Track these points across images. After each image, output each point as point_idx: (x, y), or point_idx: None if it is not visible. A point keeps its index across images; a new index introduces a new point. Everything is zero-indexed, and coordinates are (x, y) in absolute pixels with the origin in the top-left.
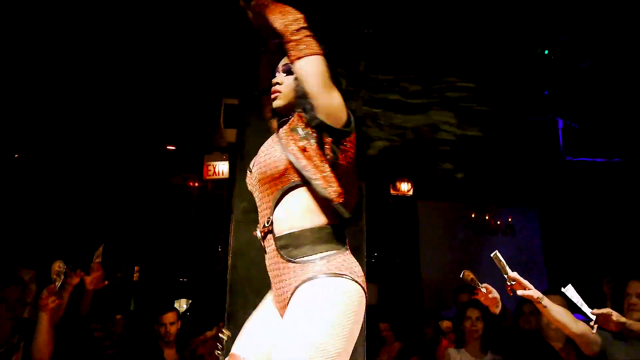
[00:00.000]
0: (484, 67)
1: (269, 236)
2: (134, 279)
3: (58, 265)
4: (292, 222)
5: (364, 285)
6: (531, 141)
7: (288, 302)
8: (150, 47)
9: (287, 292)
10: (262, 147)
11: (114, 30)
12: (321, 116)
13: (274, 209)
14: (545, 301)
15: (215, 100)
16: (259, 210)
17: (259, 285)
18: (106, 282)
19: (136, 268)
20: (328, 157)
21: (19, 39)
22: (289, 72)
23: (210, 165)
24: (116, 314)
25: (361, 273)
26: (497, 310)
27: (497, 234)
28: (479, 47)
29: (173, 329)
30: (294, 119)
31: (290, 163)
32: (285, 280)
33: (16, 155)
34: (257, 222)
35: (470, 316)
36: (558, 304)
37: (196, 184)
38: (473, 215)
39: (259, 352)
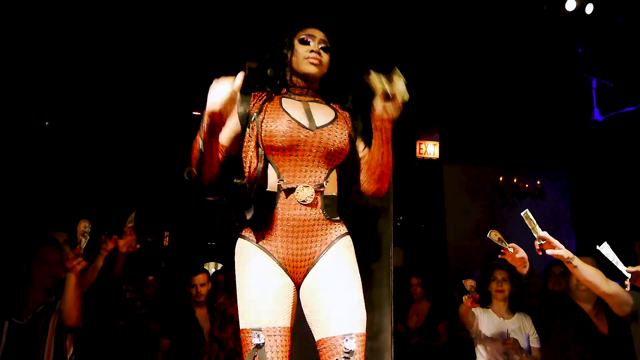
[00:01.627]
0: (515, 25)
1: (316, 195)
2: (165, 243)
3: (84, 225)
4: (331, 189)
5: None
6: (563, 102)
7: (324, 250)
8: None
9: (321, 242)
10: (309, 110)
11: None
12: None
13: (328, 176)
14: (576, 261)
15: (239, 64)
16: (296, 167)
17: None
18: (138, 246)
19: (166, 233)
20: None
21: (43, 5)
22: (326, 49)
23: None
24: (148, 276)
25: None
26: (525, 271)
27: (525, 198)
28: (510, 3)
29: (204, 290)
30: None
31: (348, 149)
32: (321, 233)
33: (47, 123)
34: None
35: (496, 277)
36: (588, 265)
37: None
38: (501, 179)
39: (287, 317)
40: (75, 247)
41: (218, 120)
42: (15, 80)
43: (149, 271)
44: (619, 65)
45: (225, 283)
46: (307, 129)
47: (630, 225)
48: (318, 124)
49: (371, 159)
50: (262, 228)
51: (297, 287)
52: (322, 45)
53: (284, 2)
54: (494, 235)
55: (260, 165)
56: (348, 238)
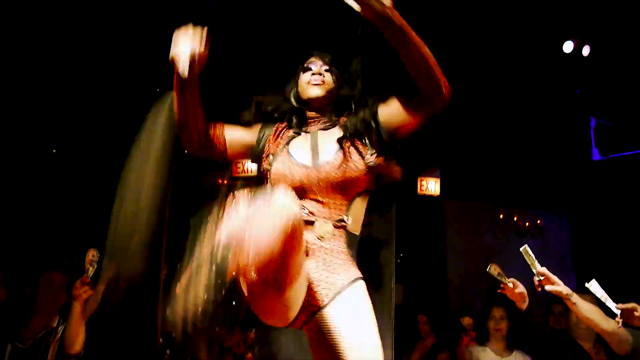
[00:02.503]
0: (514, 65)
1: (338, 231)
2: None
3: (92, 254)
4: (352, 225)
5: None
6: (562, 141)
7: (339, 292)
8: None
9: (336, 282)
10: (315, 144)
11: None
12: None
13: (349, 209)
14: (575, 297)
15: (246, 99)
16: (311, 204)
17: None
18: None
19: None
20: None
21: (56, 35)
22: (330, 70)
23: (239, 163)
24: None
25: None
26: (524, 306)
27: (525, 237)
28: (509, 45)
29: None
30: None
31: (366, 173)
32: (338, 272)
33: (54, 150)
34: None
35: (494, 315)
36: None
37: (225, 182)
38: (501, 217)
39: None
40: (83, 275)
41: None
42: (25, 109)
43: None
44: (617, 106)
45: None
46: (307, 167)
47: (632, 267)
48: (322, 160)
49: (407, 63)
50: None
51: None
52: (326, 67)
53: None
54: (493, 270)
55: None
56: (361, 282)
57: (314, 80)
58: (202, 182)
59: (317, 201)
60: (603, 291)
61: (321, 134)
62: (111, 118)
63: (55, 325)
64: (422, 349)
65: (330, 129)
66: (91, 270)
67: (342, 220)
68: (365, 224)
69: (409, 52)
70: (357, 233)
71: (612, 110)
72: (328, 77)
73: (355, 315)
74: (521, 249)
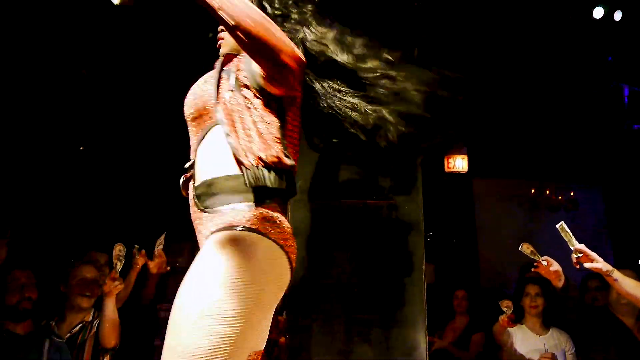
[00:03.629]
0: (543, 34)
1: (190, 181)
2: None
3: (119, 249)
4: (207, 168)
5: (286, 243)
6: (594, 111)
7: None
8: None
9: (201, 245)
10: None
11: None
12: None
13: (196, 153)
14: (616, 274)
15: None
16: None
17: (314, 264)
18: (168, 268)
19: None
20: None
21: (77, 32)
22: None
23: None
24: None
25: (285, 229)
26: (560, 284)
27: (558, 211)
28: (538, 13)
29: None
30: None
31: (210, 98)
32: (201, 231)
33: (81, 148)
34: (308, 201)
35: (529, 292)
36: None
37: None
38: (532, 191)
39: None
40: (111, 271)
41: None
42: (50, 108)
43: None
44: None
45: None
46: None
47: None
48: None
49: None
50: None
51: None
52: None
53: None
54: (526, 248)
55: None
56: (220, 235)
57: (217, 42)
58: None
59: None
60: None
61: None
62: (138, 115)
63: (91, 319)
64: (453, 329)
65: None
66: (119, 265)
67: (186, 170)
68: (391, 204)
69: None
70: (222, 174)
71: None
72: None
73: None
74: (557, 226)
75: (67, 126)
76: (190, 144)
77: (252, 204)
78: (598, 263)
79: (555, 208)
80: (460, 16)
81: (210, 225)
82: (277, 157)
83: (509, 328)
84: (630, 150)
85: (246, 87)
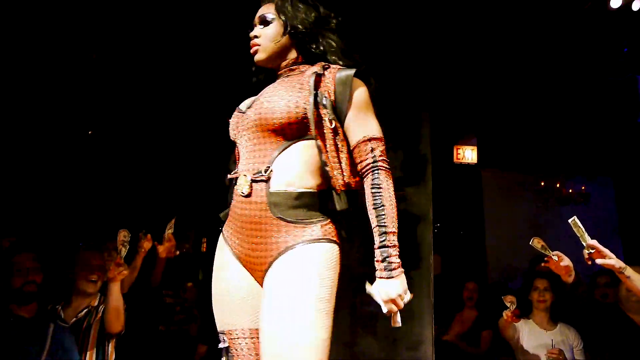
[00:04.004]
0: (557, 23)
1: (261, 185)
2: (203, 250)
3: (123, 235)
4: (290, 178)
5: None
6: (607, 103)
7: (276, 257)
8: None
9: (273, 247)
10: (264, 92)
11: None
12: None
13: (275, 160)
14: (628, 271)
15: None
16: (243, 156)
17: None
18: (177, 253)
19: (204, 240)
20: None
21: (86, 16)
22: (264, 22)
23: None
24: (187, 282)
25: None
26: (570, 279)
27: (568, 204)
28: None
29: None
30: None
31: (305, 115)
32: (275, 235)
33: (90, 132)
34: None
35: (538, 286)
36: None
37: None
38: (542, 184)
39: (252, 318)
40: (116, 257)
41: None
42: (59, 92)
43: (188, 278)
44: None
45: None
46: (241, 112)
47: None
48: (254, 101)
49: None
50: (227, 220)
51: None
52: (260, 20)
53: None
54: (537, 243)
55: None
56: (317, 246)
57: (251, 47)
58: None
59: (247, 152)
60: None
61: (277, 83)
62: (148, 100)
63: (96, 304)
64: (461, 322)
65: (288, 77)
66: (124, 251)
67: (260, 173)
68: (400, 195)
69: None
70: (301, 189)
71: None
72: (265, 32)
73: (272, 305)
74: (570, 221)
75: (76, 111)
76: (244, 144)
77: (328, 219)
78: (610, 259)
79: (566, 201)
80: (474, 5)
81: (293, 235)
82: (354, 182)
83: (514, 323)
84: None
85: (334, 112)
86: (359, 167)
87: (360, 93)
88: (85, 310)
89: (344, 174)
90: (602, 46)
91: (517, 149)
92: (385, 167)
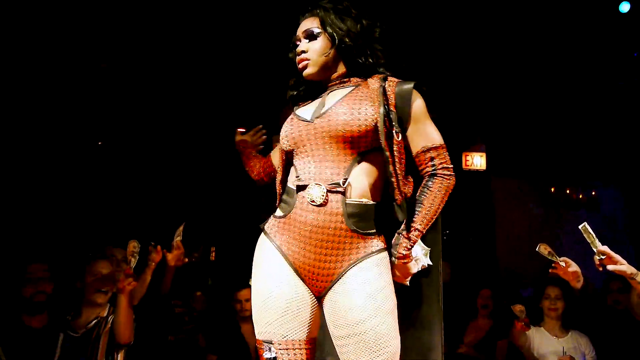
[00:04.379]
0: (566, 29)
1: (337, 197)
2: (211, 258)
3: (133, 246)
4: (361, 192)
5: None
6: (617, 108)
7: (347, 268)
8: (220, 30)
9: (344, 258)
10: (322, 100)
11: (187, 13)
12: None
13: (350, 171)
14: None
15: (282, 81)
16: (306, 165)
17: None
18: (186, 260)
19: (212, 248)
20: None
21: (95, 26)
22: (311, 36)
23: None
24: (196, 291)
25: None
26: (579, 285)
27: (579, 210)
28: (562, 7)
29: (248, 305)
30: (387, 88)
31: (375, 126)
32: (346, 247)
33: (99, 143)
34: None
35: (549, 294)
36: None
37: None
38: (552, 190)
39: (305, 329)
40: (125, 267)
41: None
42: (69, 102)
43: (197, 287)
44: None
45: None
46: (306, 121)
47: None
48: (322, 111)
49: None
50: (281, 226)
51: (318, 298)
52: (306, 34)
53: None
54: (543, 249)
55: (281, 166)
56: (382, 256)
57: (299, 63)
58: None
59: (315, 161)
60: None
61: (331, 94)
62: (156, 111)
63: (106, 314)
64: (476, 329)
65: (341, 89)
66: (133, 262)
67: (337, 184)
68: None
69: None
70: (370, 201)
71: None
72: (313, 46)
73: (355, 306)
74: (580, 227)
75: (85, 121)
76: (311, 153)
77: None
78: (622, 265)
79: (576, 207)
80: (484, 12)
81: (364, 247)
82: (409, 194)
83: (525, 332)
84: None
85: (399, 125)
86: (421, 174)
87: (419, 105)
88: (95, 320)
89: (403, 184)
90: (612, 51)
91: (526, 155)
92: (444, 174)
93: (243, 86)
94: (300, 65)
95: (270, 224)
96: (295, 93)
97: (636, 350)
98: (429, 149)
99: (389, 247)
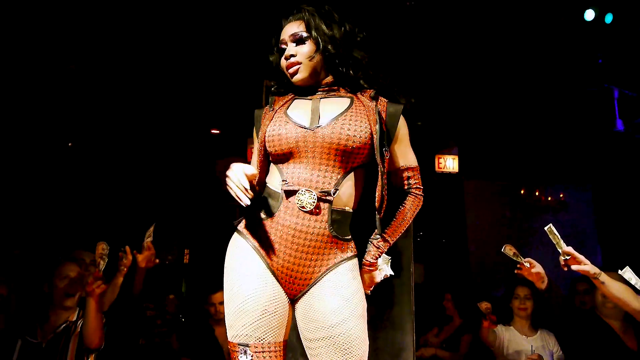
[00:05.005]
0: (534, 35)
1: (320, 204)
2: (185, 261)
3: (102, 248)
4: (346, 200)
5: None
6: (584, 112)
7: (324, 273)
8: (192, 33)
9: (322, 263)
10: (316, 106)
11: (155, 14)
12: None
13: (341, 182)
14: (603, 277)
15: (257, 82)
16: (297, 171)
17: None
18: (157, 261)
19: (186, 251)
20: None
21: (63, 27)
22: (299, 40)
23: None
24: (169, 294)
25: None
26: (543, 286)
27: (548, 212)
28: (529, 14)
29: (222, 308)
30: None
31: (370, 143)
32: (325, 252)
33: (70, 144)
34: None
35: (519, 294)
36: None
37: None
38: (522, 192)
39: (279, 332)
40: (94, 270)
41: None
42: (38, 103)
43: (170, 289)
44: None
45: None
46: (305, 129)
47: None
48: (322, 121)
49: None
50: (261, 227)
51: (292, 301)
52: (294, 38)
53: None
54: (508, 250)
55: (260, 167)
56: (354, 262)
57: (289, 68)
58: (216, 166)
59: (308, 168)
60: (637, 277)
61: (325, 100)
62: (127, 112)
63: (75, 319)
64: (445, 330)
65: (334, 97)
66: (102, 264)
67: (329, 193)
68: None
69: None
70: (350, 209)
71: (636, 79)
72: (302, 50)
73: (331, 309)
74: (546, 228)
75: (55, 122)
76: (305, 160)
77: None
78: (586, 265)
79: (545, 209)
80: (453, 18)
81: (340, 252)
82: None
83: (495, 330)
84: (620, 152)
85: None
86: (396, 186)
87: (405, 127)
88: (64, 325)
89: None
90: (579, 58)
91: (497, 157)
92: (417, 194)
93: (215, 88)
94: (291, 70)
95: (247, 224)
96: (277, 96)
97: (601, 349)
98: (406, 169)
99: (359, 254)
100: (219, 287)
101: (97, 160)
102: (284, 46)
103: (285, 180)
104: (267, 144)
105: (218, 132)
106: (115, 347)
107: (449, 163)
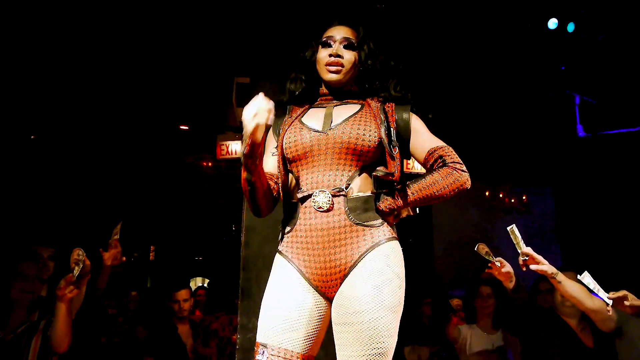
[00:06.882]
0: (498, 42)
1: (340, 199)
2: (150, 258)
3: (77, 254)
4: (360, 190)
5: None
6: (547, 118)
7: (356, 260)
8: (162, 27)
9: (351, 252)
10: (329, 112)
11: (125, 11)
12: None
13: (353, 178)
14: (560, 276)
15: (227, 80)
16: (309, 174)
17: (270, 261)
18: (124, 259)
19: (152, 248)
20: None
21: (32, 23)
22: (349, 46)
23: (223, 144)
24: (131, 291)
25: None
26: (511, 285)
27: (511, 213)
28: (492, 21)
29: (186, 306)
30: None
31: (379, 143)
32: (351, 241)
33: (32, 137)
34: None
35: (482, 293)
36: (572, 281)
37: (209, 164)
38: (487, 194)
39: (301, 344)
40: (68, 275)
41: (260, 141)
42: (3, 96)
43: (133, 286)
44: (601, 82)
45: (207, 298)
46: (319, 132)
47: (615, 240)
48: (334, 124)
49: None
50: (289, 240)
51: (332, 301)
52: (345, 43)
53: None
54: (481, 249)
55: (281, 179)
56: (391, 245)
57: (331, 65)
58: (185, 162)
59: (321, 170)
60: (595, 282)
61: (338, 107)
62: (91, 108)
63: (36, 319)
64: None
65: (346, 105)
66: (77, 270)
67: (340, 190)
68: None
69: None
70: (368, 192)
71: (597, 87)
72: (348, 56)
73: (358, 297)
74: (508, 229)
75: (17, 113)
76: (318, 162)
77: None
78: (543, 265)
79: (508, 210)
80: (417, 23)
81: (369, 237)
82: None
83: (460, 327)
84: (579, 157)
85: (398, 140)
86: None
87: (417, 119)
88: (24, 326)
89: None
90: (542, 64)
91: (463, 159)
92: (455, 167)
93: (184, 83)
94: (332, 68)
95: (280, 242)
96: (295, 92)
97: (559, 347)
98: (434, 150)
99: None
100: (183, 284)
101: (61, 155)
102: (331, 42)
103: (301, 188)
104: (284, 151)
105: (187, 128)
106: (77, 347)
107: (417, 164)
